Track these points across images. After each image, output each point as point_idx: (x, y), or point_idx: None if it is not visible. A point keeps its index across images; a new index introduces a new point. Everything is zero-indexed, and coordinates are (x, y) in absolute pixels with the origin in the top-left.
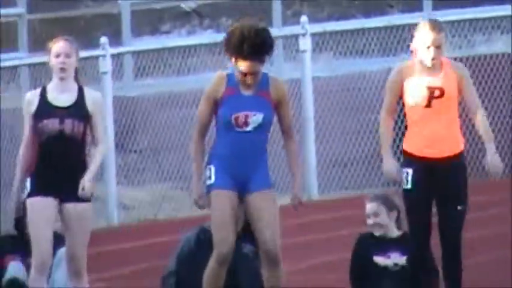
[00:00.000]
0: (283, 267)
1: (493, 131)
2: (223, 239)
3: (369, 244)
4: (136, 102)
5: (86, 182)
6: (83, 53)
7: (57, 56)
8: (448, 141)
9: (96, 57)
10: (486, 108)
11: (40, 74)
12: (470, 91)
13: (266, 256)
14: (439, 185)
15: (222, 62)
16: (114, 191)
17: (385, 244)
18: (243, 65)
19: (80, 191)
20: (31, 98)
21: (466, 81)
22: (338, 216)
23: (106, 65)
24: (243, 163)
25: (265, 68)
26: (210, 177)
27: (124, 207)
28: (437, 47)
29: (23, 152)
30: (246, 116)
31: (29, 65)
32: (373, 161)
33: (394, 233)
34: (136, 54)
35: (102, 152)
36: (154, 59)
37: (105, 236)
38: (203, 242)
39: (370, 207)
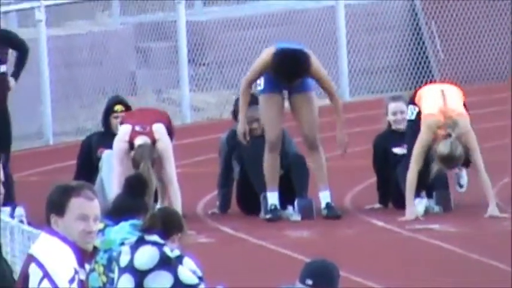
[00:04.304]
0: (323, 153)
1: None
2: (272, 131)
3: (388, 139)
4: (205, 25)
5: None
6: None
7: None
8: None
9: None
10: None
11: None
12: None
13: (306, 141)
14: None
15: None
16: (187, 96)
17: (400, 138)
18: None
19: None
20: None
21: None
22: (365, 114)
23: None
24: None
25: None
26: (260, 84)
27: (195, 109)
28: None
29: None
30: None
31: None
32: (393, 69)
33: None
34: None
35: None
36: None
37: (181, 132)
38: (232, 143)
39: (398, 105)
